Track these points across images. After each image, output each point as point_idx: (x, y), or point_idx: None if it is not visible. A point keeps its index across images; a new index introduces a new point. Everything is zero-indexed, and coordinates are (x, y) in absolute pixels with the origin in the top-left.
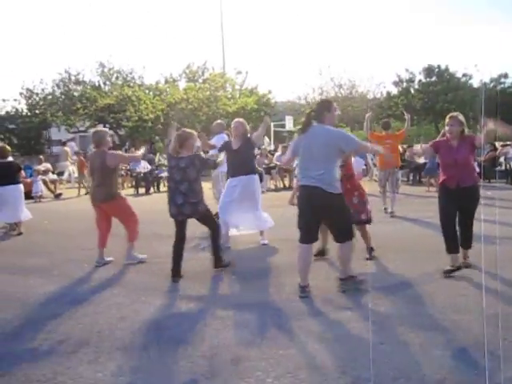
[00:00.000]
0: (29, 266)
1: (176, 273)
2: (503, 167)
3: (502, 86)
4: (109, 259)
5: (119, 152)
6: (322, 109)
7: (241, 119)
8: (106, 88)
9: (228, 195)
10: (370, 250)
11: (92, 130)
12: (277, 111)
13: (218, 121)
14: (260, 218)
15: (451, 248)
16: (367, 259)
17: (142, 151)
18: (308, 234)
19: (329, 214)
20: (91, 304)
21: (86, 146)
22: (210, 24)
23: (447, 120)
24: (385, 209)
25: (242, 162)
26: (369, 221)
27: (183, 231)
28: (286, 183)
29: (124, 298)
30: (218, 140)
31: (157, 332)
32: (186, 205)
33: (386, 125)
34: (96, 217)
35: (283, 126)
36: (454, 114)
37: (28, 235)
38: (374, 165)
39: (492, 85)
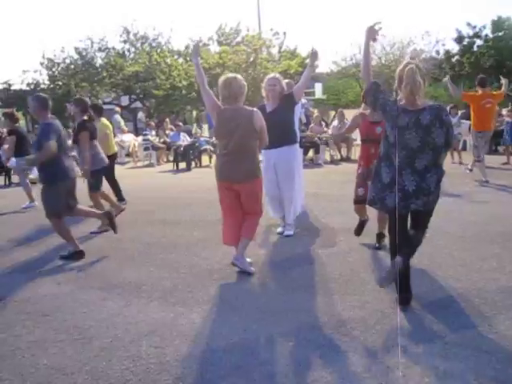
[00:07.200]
0: None
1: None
2: None
3: None
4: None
5: None
6: None
7: (277, 74)
8: (131, 55)
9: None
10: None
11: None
12: (319, 77)
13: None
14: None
15: None
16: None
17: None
18: None
19: None
20: None
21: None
22: None
23: None
24: (486, 181)
25: (280, 129)
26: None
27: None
28: (344, 153)
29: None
30: None
31: None
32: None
33: (483, 81)
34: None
35: (312, 93)
36: None
37: None
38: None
39: None
